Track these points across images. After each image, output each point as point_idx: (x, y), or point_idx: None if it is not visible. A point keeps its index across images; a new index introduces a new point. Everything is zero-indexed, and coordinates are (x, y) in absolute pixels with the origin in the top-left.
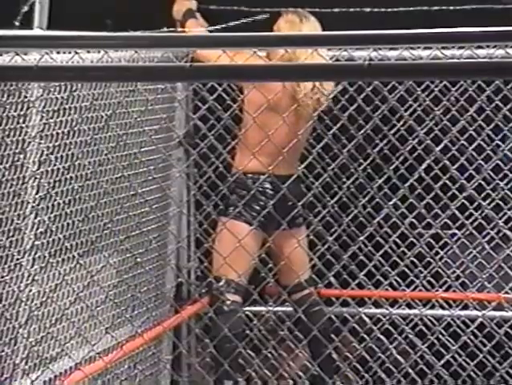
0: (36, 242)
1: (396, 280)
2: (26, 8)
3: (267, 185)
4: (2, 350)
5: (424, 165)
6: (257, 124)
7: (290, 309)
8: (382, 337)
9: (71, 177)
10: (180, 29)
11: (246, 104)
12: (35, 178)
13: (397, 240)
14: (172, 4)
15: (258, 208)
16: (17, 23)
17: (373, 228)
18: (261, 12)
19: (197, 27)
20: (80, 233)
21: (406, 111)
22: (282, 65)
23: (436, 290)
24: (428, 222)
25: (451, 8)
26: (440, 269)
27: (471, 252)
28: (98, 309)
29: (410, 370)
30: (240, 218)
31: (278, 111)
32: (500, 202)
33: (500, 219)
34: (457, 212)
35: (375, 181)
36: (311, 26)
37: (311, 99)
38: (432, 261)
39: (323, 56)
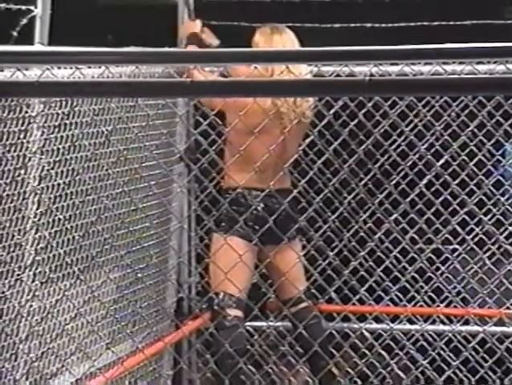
0: (37, 257)
1: (397, 295)
2: (25, 20)
3: (255, 200)
4: (3, 366)
5: (424, 180)
6: (240, 146)
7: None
8: (383, 352)
9: (72, 192)
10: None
11: (229, 127)
12: (36, 193)
13: (398, 255)
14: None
15: (249, 222)
16: (15, 33)
17: (374, 243)
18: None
19: None
20: (81, 249)
21: (407, 126)
22: (283, 80)
23: (438, 306)
24: (429, 237)
25: (451, 23)
26: (441, 285)
27: (472, 267)
28: (98, 324)
29: None
30: (231, 233)
31: (261, 132)
32: (501, 217)
33: (501, 234)
34: (457, 228)
35: (375, 196)
36: (286, 38)
37: (294, 111)
38: (433, 276)
39: (293, 73)
